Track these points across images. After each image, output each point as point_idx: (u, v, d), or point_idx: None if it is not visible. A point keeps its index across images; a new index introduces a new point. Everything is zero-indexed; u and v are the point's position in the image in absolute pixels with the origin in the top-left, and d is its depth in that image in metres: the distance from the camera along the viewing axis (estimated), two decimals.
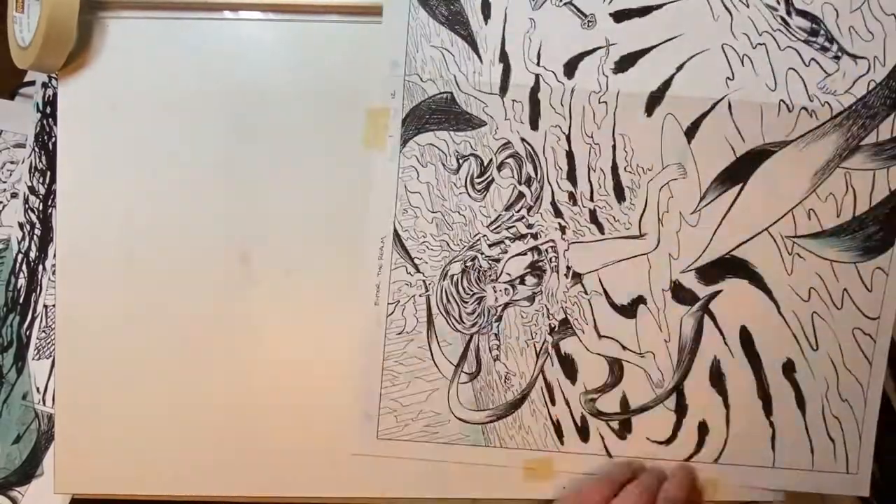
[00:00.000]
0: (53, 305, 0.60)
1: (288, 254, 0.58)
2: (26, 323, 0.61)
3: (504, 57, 0.56)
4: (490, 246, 0.57)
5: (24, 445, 0.60)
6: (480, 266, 0.57)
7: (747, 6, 0.54)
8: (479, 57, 0.56)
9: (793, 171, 0.56)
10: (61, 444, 0.58)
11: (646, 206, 0.56)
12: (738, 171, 0.56)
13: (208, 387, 0.58)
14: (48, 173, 0.62)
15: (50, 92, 0.62)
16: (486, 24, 0.55)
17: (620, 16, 0.55)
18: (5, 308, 0.61)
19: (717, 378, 0.57)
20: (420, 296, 0.57)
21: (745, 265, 0.56)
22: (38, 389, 0.60)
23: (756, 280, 0.56)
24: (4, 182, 0.62)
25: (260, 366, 0.57)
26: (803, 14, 0.54)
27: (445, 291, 0.57)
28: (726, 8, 0.54)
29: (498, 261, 0.57)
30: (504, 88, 0.56)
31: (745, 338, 0.57)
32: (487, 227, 0.57)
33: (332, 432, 0.57)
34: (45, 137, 0.62)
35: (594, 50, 0.55)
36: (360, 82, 0.57)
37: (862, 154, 0.57)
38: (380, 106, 0.57)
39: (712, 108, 0.56)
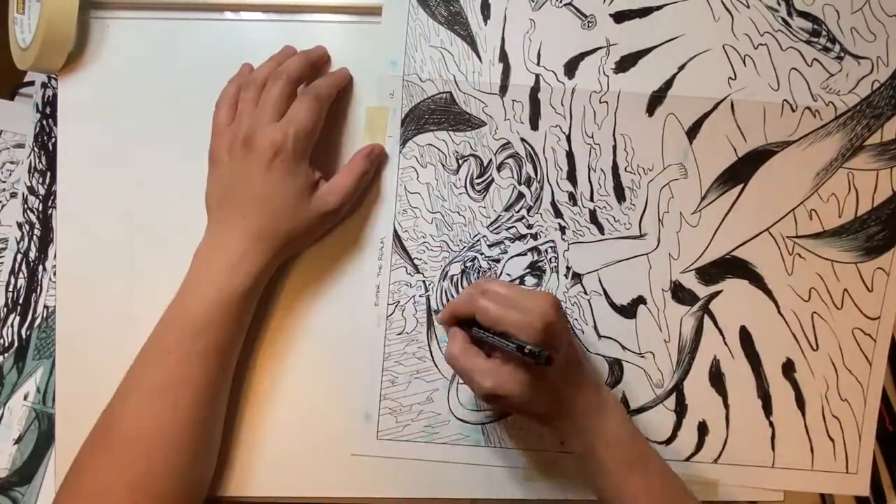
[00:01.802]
0: (53, 305, 0.60)
1: None
2: (26, 323, 0.61)
3: (504, 57, 0.55)
4: (490, 246, 0.57)
5: (25, 446, 0.60)
6: (480, 266, 0.57)
7: (748, 7, 0.54)
8: (479, 57, 0.55)
9: (795, 171, 0.56)
10: (61, 444, 0.58)
11: (646, 206, 0.56)
12: (740, 171, 0.56)
13: None
14: (48, 174, 0.62)
15: (49, 92, 0.62)
16: (485, 24, 0.55)
17: (621, 16, 0.54)
18: (5, 308, 0.61)
19: (716, 378, 0.57)
20: (420, 296, 0.57)
21: (746, 265, 0.56)
22: (38, 389, 0.60)
23: (756, 280, 0.56)
24: (4, 182, 0.62)
25: (259, 366, 0.57)
26: (804, 15, 0.54)
27: (445, 292, 0.57)
28: (727, 9, 0.54)
29: (498, 261, 0.57)
30: (504, 88, 0.56)
31: (745, 338, 0.57)
32: (487, 227, 0.57)
33: (331, 433, 0.57)
34: (45, 138, 0.62)
35: (594, 50, 0.55)
36: (360, 82, 0.57)
37: (865, 154, 0.56)
38: (378, 105, 0.56)
39: (714, 107, 0.55)
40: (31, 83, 0.63)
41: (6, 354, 0.60)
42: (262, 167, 0.51)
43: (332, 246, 0.57)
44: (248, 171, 0.52)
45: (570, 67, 0.55)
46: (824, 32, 0.54)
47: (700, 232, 0.56)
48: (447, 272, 0.57)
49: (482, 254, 0.57)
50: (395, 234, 0.57)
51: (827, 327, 0.57)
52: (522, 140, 0.56)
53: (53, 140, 0.61)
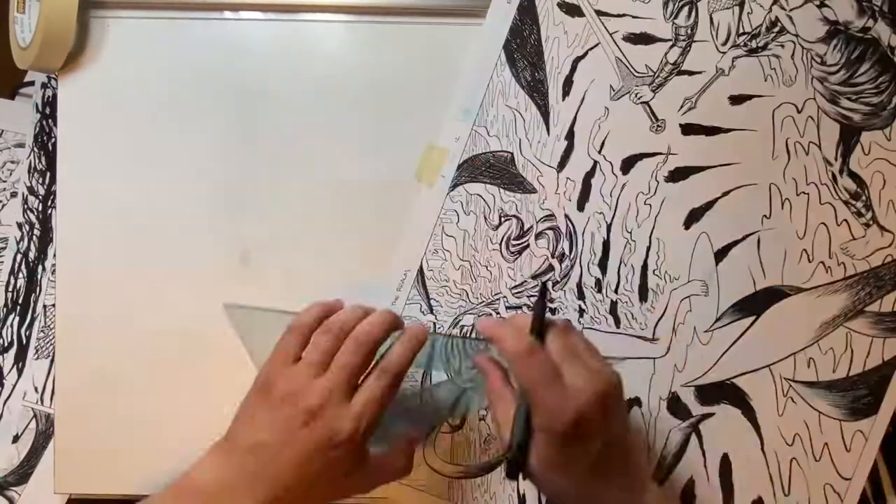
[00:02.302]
0: (53, 305, 0.58)
1: (287, 254, 0.57)
2: (26, 323, 0.60)
3: (570, 136, 0.57)
4: (507, 308, 0.57)
5: (23, 445, 0.58)
6: None
7: (807, 153, 0.57)
8: (548, 129, 0.57)
9: (802, 318, 0.58)
10: (61, 444, 0.56)
11: (665, 312, 0.57)
12: (755, 304, 0.58)
13: (207, 386, 0.56)
14: (48, 174, 0.61)
15: (49, 93, 0.62)
16: (563, 99, 0.57)
17: (689, 129, 0.57)
18: (5, 308, 0.60)
19: (688, 499, 0.57)
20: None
21: (743, 396, 0.57)
22: (36, 389, 0.59)
23: (749, 412, 0.57)
24: (4, 181, 0.62)
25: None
26: (854, 176, 0.58)
27: (452, 339, 0.57)
28: (787, 149, 0.57)
29: None
30: (562, 165, 0.58)
31: (725, 466, 0.57)
32: (510, 289, 0.57)
33: None
34: (45, 138, 0.61)
35: (654, 154, 0.58)
36: (360, 82, 0.58)
37: (864, 319, 0.59)
38: (441, 148, 0.57)
39: (744, 238, 0.58)
40: (32, 83, 0.63)
41: (6, 354, 0.59)
42: (318, 451, 0.45)
43: (332, 245, 0.57)
44: (300, 444, 0.45)
45: (628, 164, 0.58)
46: (864, 197, 0.58)
47: (708, 351, 0.58)
48: (459, 321, 0.57)
49: (498, 313, 0.57)
50: (420, 271, 0.57)
51: (802, 476, 0.58)
52: (566, 216, 0.57)
53: (53, 140, 0.60)
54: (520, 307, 0.57)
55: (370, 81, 0.58)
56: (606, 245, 0.58)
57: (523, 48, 0.57)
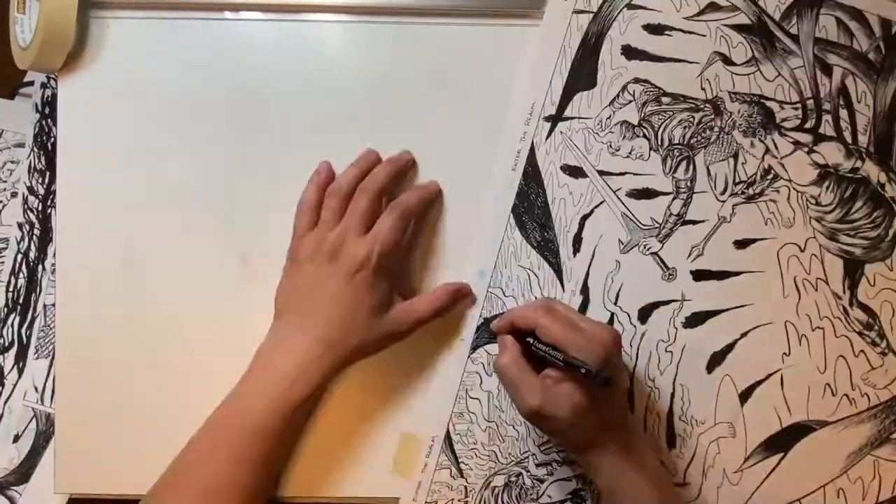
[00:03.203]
0: (53, 305, 0.58)
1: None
2: (26, 323, 0.60)
3: (585, 290, 0.59)
4: (537, 465, 0.57)
5: (23, 445, 0.58)
6: (524, 483, 0.57)
7: (815, 290, 0.58)
8: (563, 286, 0.59)
9: (830, 451, 0.59)
10: (61, 443, 0.56)
11: (693, 456, 0.58)
12: (782, 441, 0.58)
13: (207, 387, 0.54)
14: (47, 174, 0.61)
15: (49, 92, 0.62)
16: (574, 256, 0.59)
17: (700, 275, 0.59)
18: (5, 308, 0.60)
19: None
20: (458, 500, 0.57)
21: None
22: (36, 389, 0.59)
23: None
24: (4, 181, 0.62)
25: None
26: (863, 307, 0.59)
27: (484, 501, 0.57)
28: (797, 287, 0.59)
29: (542, 481, 0.57)
30: None
31: None
32: (538, 446, 0.57)
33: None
34: (44, 138, 0.62)
35: (669, 302, 0.59)
36: (360, 82, 0.58)
37: (891, 445, 0.59)
38: (417, 434, 0.58)
39: (767, 377, 0.59)
40: (31, 83, 0.63)
41: (6, 354, 0.59)
42: (344, 279, 0.53)
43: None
44: (329, 280, 0.53)
45: (644, 314, 0.59)
46: (876, 328, 0.59)
47: (739, 491, 0.58)
48: (490, 482, 0.57)
49: (528, 471, 0.57)
50: (447, 436, 0.57)
51: None
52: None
53: (53, 140, 0.61)
54: (549, 463, 0.57)
55: (370, 81, 0.58)
56: (630, 396, 0.58)
57: (531, 211, 0.59)
